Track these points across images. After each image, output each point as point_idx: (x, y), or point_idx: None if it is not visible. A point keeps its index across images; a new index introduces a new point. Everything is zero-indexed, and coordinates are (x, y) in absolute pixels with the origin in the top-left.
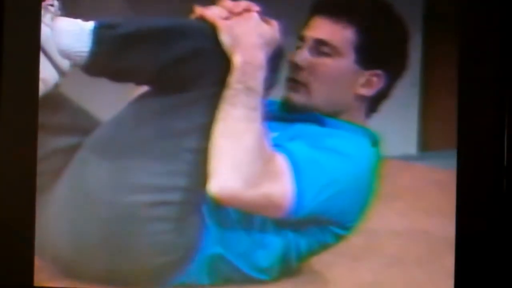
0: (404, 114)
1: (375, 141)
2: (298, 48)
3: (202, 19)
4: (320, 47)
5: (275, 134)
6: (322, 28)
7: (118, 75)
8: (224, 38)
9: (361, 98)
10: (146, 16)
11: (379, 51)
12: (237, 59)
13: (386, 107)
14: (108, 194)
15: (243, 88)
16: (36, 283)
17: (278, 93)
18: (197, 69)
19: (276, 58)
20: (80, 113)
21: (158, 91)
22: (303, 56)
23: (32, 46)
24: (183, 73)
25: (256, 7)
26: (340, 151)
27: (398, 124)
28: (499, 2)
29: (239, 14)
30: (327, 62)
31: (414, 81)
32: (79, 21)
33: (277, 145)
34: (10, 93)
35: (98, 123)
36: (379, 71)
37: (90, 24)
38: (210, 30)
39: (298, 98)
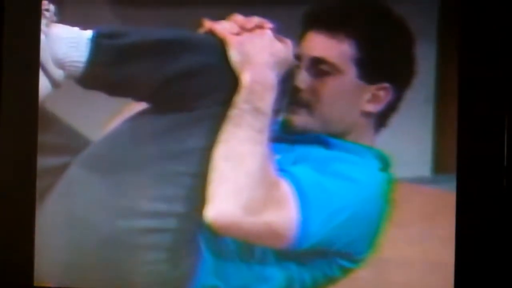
0: (417, 132)
1: (385, 164)
2: (296, 68)
3: (211, 33)
4: (318, 65)
5: (277, 157)
6: (317, 45)
7: (116, 89)
8: (233, 54)
9: (368, 115)
10: (151, 27)
11: (383, 62)
12: (245, 78)
13: (398, 125)
14: (98, 218)
15: (250, 108)
16: (36, 283)
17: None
18: (202, 86)
19: (288, 80)
20: (68, 132)
21: (158, 108)
22: (302, 77)
23: (31, 51)
24: (187, 90)
25: (269, 24)
26: (348, 176)
27: (411, 144)
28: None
29: (251, 30)
30: (327, 82)
31: (428, 96)
32: (76, 28)
33: (280, 170)
34: (9, 97)
35: (88, 142)
36: (385, 84)
37: (88, 32)
38: (218, 46)
39: (300, 121)
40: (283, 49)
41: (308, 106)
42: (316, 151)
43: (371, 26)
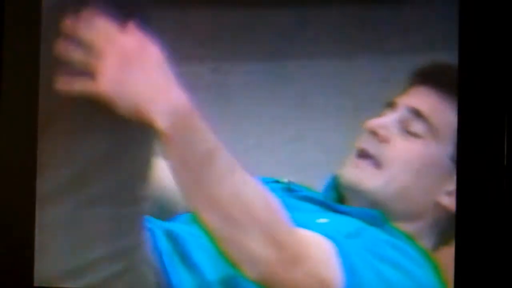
0: None
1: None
2: (383, 115)
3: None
4: (414, 121)
5: (323, 220)
6: (423, 99)
7: None
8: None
9: (441, 210)
10: None
11: None
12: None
13: None
14: None
15: (205, 149)
16: (36, 283)
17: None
18: None
19: None
20: None
21: None
22: (389, 124)
23: (32, 52)
24: None
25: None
26: (409, 271)
27: None
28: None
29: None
30: (414, 145)
31: None
32: None
33: (331, 237)
34: (9, 98)
35: None
36: None
37: None
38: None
39: (362, 177)
40: (131, 41)
41: (379, 163)
42: (371, 231)
43: None
